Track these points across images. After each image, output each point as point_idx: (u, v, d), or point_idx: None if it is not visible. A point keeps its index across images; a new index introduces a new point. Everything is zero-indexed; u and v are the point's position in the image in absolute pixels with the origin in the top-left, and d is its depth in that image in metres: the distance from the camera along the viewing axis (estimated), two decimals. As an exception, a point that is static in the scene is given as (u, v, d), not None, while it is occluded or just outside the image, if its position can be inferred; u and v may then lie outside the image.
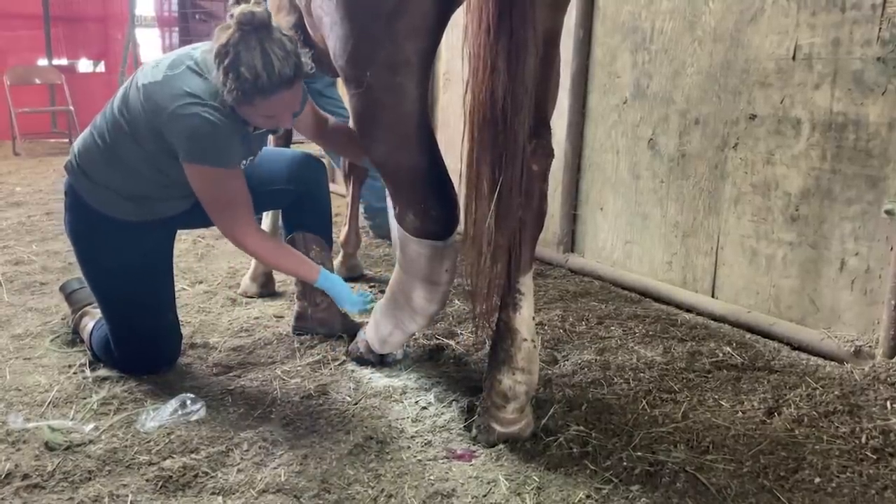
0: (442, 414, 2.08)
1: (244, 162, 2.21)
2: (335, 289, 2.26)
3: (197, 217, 2.23)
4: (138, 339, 2.26)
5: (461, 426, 2.02)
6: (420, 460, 1.86)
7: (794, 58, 2.60)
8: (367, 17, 1.82)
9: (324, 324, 2.65)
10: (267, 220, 3.23)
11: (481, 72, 1.62)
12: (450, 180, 1.98)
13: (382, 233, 4.09)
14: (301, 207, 2.54)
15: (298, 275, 2.32)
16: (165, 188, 2.19)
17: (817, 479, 1.76)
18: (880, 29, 2.36)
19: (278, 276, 3.26)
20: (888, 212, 2.34)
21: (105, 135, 2.15)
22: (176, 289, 2.47)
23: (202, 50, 2.10)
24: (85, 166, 2.20)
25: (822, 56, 2.52)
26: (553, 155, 1.90)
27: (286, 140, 3.06)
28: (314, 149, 3.75)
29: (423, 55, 1.86)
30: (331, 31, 1.93)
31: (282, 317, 2.87)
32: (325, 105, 3.73)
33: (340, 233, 3.35)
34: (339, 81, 3.73)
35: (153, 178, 2.16)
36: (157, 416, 2.02)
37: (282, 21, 2.86)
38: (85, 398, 2.15)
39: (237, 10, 1.93)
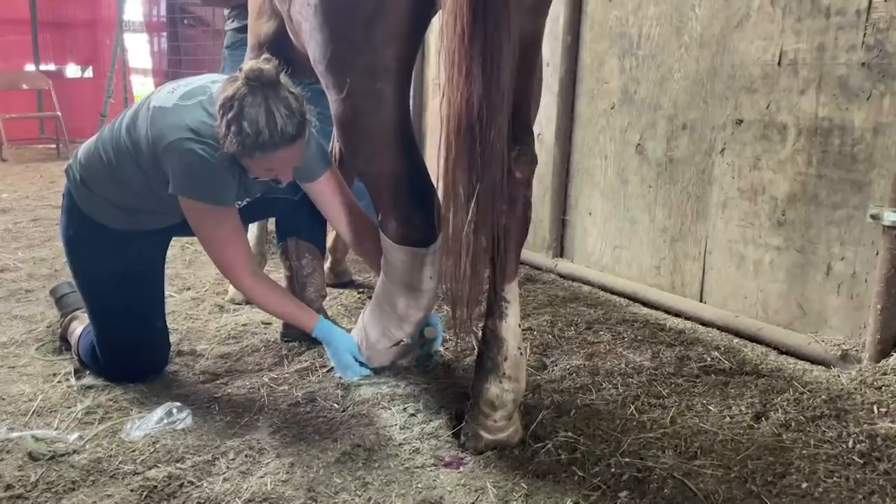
0: (430, 421, 2.08)
1: (241, 202, 2.21)
2: (332, 342, 2.25)
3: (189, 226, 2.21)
4: (126, 347, 2.25)
5: (449, 433, 2.01)
6: (408, 468, 1.85)
7: (779, 63, 2.62)
8: (346, 23, 1.81)
9: (312, 331, 2.64)
10: (254, 230, 3.22)
11: (457, 77, 1.61)
12: (432, 187, 1.97)
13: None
14: (296, 215, 2.53)
15: (295, 322, 2.28)
16: (160, 207, 2.18)
17: (804, 484, 1.77)
18: (865, 35, 2.37)
19: (266, 283, 3.24)
20: (874, 216, 2.35)
21: (109, 150, 2.15)
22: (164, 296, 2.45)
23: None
24: (85, 176, 2.19)
25: (808, 62, 2.53)
26: (536, 161, 1.90)
27: None
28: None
29: (403, 61, 1.86)
30: (310, 37, 1.92)
31: (270, 324, 2.85)
32: (325, 104, 3.71)
33: (329, 238, 3.34)
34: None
35: (150, 198, 2.16)
36: (143, 425, 2.00)
37: (262, 27, 2.85)
38: (70, 407, 2.13)
39: (247, 65, 1.93)
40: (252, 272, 2.18)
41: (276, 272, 3.34)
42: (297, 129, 1.96)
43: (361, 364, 2.27)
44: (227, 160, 2.00)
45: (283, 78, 1.96)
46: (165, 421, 2.02)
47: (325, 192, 2.33)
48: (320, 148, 2.31)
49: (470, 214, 1.66)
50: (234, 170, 2.06)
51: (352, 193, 2.41)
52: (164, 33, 8.78)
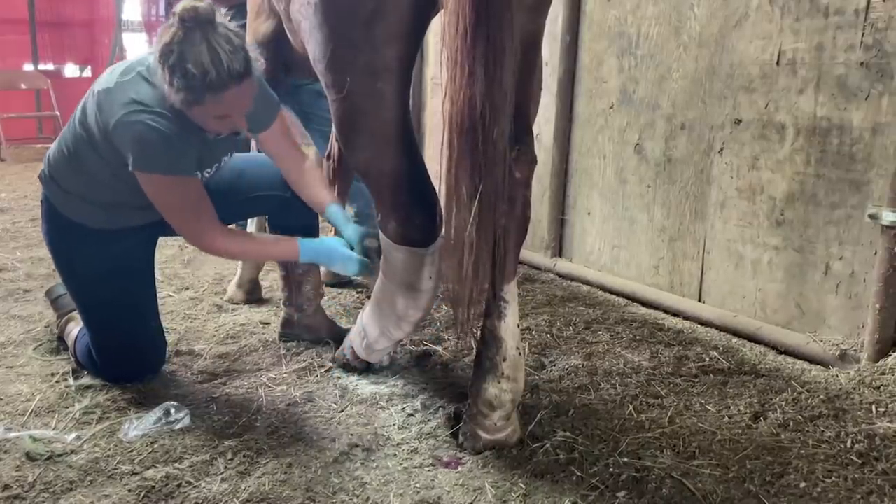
0: (428, 421, 2.07)
1: (209, 169, 2.18)
2: (323, 253, 2.21)
3: None
4: (121, 348, 2.24)
5: (447, 433, 2.01)
6: (406, 468, 1.85)
7: (778, 63, 2.62)
8: (346, 22, 1.81)
9: (310, 330, 2.64)
10: (252, 226, 3.21)
11: (459, 77, 1.60)
12: (432, 187, 1.97)
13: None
14: (288, 212, 2.52)
15: (281, 258, 2.26)
16: (132, 196, 2.13)
17: (803, 484, 1.77)
18: (863, 34, 2.37)
19: (265, 283, 3.24)
20: (872, 216, 2.35)
21: (69, 144, 2.13)
22: (161, 295, 2.45)
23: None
24: (55, 176, 2.18)
25: (806, 61, 2.53)
26: (536, 161, 1.90)
27: None
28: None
29: (403, 60, 1.85)
30: (310, 36, 1.92)
31: (268, 323, 2.85)
32: (323, 105, 3.71)
33: (318, 234, 3.34)
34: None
35: (117, 187, 2.12)
36: (141, 425, 1.99)
37: (260, 26, 2.85)
38: (67, 407, 2.13)
39: (179, 6, 1.85)
40: (222, 233, 2.13)
41: (273, 271, 3.34)
42: (243, 66, 1.92)
43: (359, 254, 2.22)
44: (179, 123, 1.97)
45: (220, 15, 1.91)
46: (163, 421, 2.01)
47: (274, 139, 2.32)
48: (270, 94, 2.29)
49: (472, 215, 1.66)
50: (190, 136, 2.02)
51: (294, 136, 2.43)
52: (163, 32, 8.76)
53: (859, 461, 1.86)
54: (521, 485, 1.76)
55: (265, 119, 2.27)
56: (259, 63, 1.99)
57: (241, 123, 2.06)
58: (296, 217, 2.54)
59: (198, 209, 2.09)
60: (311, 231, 2.61)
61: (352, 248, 2.23)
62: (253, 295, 3.12)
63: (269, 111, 2.29)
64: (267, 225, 2.74)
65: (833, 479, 1.79)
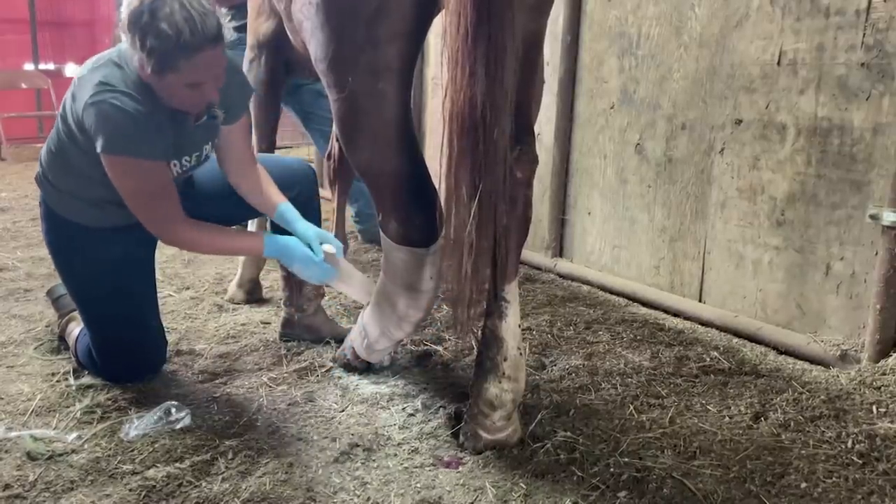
0: (429, 421, 2.07)
1: (188, 157, 2.14)
2: (286, 252, 2.13)
3: None
4: (120, 348, 2.24)
5: (448, 433, 2.01)
6: (407, 468, 1.85)
7: (779, 63, 2.62)
8: (348, 21, 1.81)
9: (311, 330, 2.64)
10: (252, 226, 3.21)
11: (460, 77, 1.60)
12: (433, 187, 1.97)
13: (372, 237, 4.08)
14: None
15: (244, 251, 2.17)
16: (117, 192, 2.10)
17: (803, 484, 1.77)
18: (864, 35, 2.37)
19: (265, 283, 3.24)
20: (873, 216, 2.35)
21: (55, 142, 2.13)
22: (162, 295, 2.45)
23: None
24: (48, 176, 2.18)
25: (807, 61, 2.53)
26: (537, 161, 1.90)
27: (269, 145, 3.04)
28: (304, 154, 3.74)
29: (406, 60, 1.85)
30: (312, 35, 1.91)
31: (269, 323, 2.85)
32: (324, 105, 3.72)
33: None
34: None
35: (105, 181, 2.06)
36: (142, 425, 1.99)
37: (261, 26, 2.85)
38: (68, 407, 2.13)
39: None
40: (187, 223, 2.07)
41: (274, 271, 3.34)
42: (216, 29, 1.89)
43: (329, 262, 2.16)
44: (148, 103, 1.94)
45: None
46: (164, 421, 2.01)
47: (236, 136, 2.25)
48: (245, 83, 2.27)
49: (472, 214, 1.66)
50: (162, 119, 1.99)
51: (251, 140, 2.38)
52: (163, 32, 8.75)
53: (860, 461, 1.86)
54: (521, 485, 1.76)
55: (238, 108, 2.23)
56: (227, 31, 1.96)
57: (213, 94, 2.00)
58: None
59: (162, 196, 2.02)
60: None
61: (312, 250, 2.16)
62: (253, 295, 3.12)
63: (242, 102, 2.26)
64: (268, 226, 2.74)
65: (834, 479, 1.79)
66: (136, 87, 1.96)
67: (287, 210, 2.26)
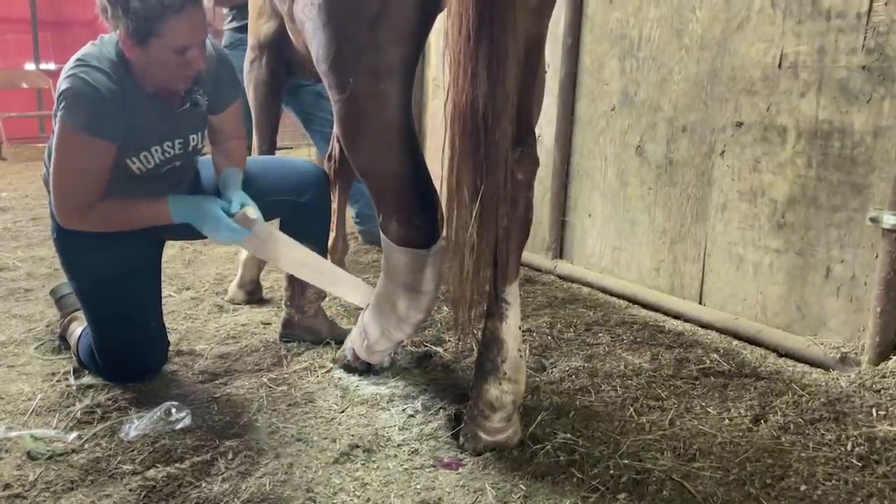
0: (429, 422, 2.07)
1: (170, 143, 2.13)
2: (196, 214, 2.07)
3: (180, 227, 2.15)
4: (122, 348, 2.24)
5: (448, 434, 2.01)
6: (407, 469, 1.85)
7: (779, 66, 2.62)
8: (350, 22, 1.81)
9: (311, 331, 2.64)
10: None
11: (461, 79, 1.61)
12: (433, 188, 1.97)
13: (372, 238, 4.08)
14: (302, 217, 2.50)
15: (152, 220, 2.09)
16: (122, 189, 2.10)
17: (803, 487, 1.77)
18: (865, 38, 2.37)
19: (266, 283, 3.24)
20: (873, 219, 2.35)
21: (53, 138, 2.13)
22: (163, 295, 2.45)
23: None
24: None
25: (808, 64, 2.54)
26: (538, 163, 1.90)
27: (270, 146, 3.04)
28: (305, 155, 3.74)
29: (407, 62, 1.85)
30: (313, 36, 1.92)
31: (269, 324, 2.85)
32: (324, 106, 3.72)
33: (328, 239, 3.34)
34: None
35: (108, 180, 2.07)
36: (142, 425, 1.99)
37: (262, 27, 2.85)
38: (68, 407, 2.13)
39: None
40: (88, 208, 2.02)
41: (274, 271, 3.35)
42: None
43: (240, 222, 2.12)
44: (120, 83, 1.95)
45: None
46: (164, 421, 2.01)
47: (223, 118, 2.31)
48: (234, 76, 2.30)
49: (473, 216, 1.66)
50: (136, 102, 2.00)
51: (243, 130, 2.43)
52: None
53: (860, 464, 1.86)
54: (521, 486, 1.76)
55: (223, 99, 2.27)
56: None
57: (200, 62, 2.00)
58: (310, 224, 2.53)
59: (91, 178, 2.00)
60: (322, 235, 2.61)
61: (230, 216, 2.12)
62: (254, 295, 3.12)
63: (228, 95, 2.29)
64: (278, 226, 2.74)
65: (833, 482, 1.79)
66: (112, 65, 1.98)
67: (229, 176, 2.27)
